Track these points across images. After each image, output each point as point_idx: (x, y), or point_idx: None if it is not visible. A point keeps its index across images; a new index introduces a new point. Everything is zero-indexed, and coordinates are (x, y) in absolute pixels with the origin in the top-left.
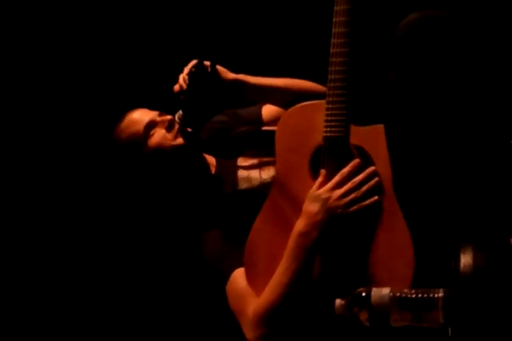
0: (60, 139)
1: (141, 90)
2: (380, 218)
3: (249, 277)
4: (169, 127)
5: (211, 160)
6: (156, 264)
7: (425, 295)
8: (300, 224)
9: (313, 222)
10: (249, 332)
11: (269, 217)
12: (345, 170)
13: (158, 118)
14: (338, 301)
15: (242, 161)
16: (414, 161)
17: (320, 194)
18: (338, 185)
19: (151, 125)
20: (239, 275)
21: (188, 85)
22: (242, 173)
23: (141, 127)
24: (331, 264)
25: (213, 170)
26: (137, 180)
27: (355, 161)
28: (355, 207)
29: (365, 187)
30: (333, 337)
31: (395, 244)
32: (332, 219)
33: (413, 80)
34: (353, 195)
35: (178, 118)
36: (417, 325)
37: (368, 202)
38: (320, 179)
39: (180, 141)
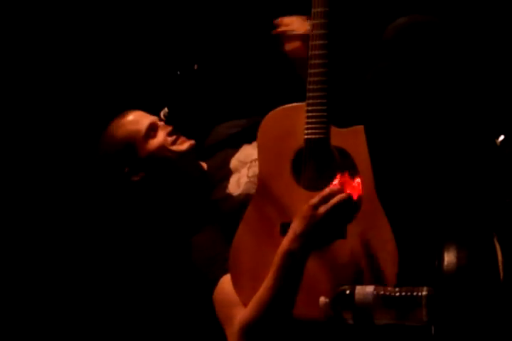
0: (49, 139)
1: (126, 92)
2: (362, 219)
3: (235, 283)
4: (171, 133)
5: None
6: (143, 270)
7: (409, 294)
8: (286, 243)
9: (301, 241)
10: None
11: (252, 221)
12: (327, 190)
13: (160, 123)
14: (322, 299)
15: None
16: (396, 161)
17: (305, 212)
18: (322, 201)
19: (153, 127)
20: (226, 282)
21: (177, 83)
22: (233, 178)
23: (143, 127)
24: (315, 267)
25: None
26: (126, 182)
27: (334, 187)
28: (335, 223)
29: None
30: None
31: (377, 243)
32: (318, 236)
33: (392, 80)
34: (335, 214)
35: (164, 116)
36: (400, 323)
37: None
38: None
39: (182, 147)
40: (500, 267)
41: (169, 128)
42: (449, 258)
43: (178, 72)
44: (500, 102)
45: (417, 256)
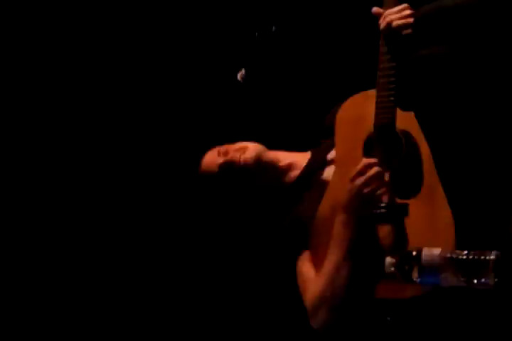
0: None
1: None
2: (423, 197)
3: (314, 260)
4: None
5: (304, 157)
6: None
7: (476, 257)
8: (338, 216)
9: (348, 213)
10: (310, 320)
11: (329, 203)
12: (362, 163)
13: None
14: (388, 259)
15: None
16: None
17: (348, 186)
18: (358, 174)
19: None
20: (304, 258)
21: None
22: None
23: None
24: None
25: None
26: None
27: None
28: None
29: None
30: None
31: (437, 221)
32: (363, 206)
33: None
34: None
35: (241, 77)
36: (466, 285)
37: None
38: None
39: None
40: None
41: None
42: None
43: (256, 34)
44: None
45: (485, 219)
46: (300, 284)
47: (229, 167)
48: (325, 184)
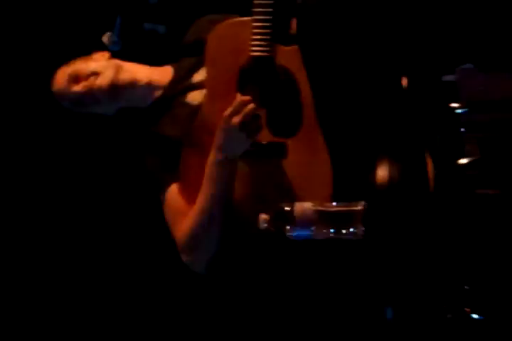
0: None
1: None
2: (301, 139)
3: (183, 191)
4: None
5: (164, 73)
6: None
7: (345, 209)
8: (211, 154)
9: (222, 152)
10: (181, 255)
11: (198, 136)
12: (237, 100)
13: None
14: (261, 216)
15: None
16: (332, 79)
17: (221, 124)
18: (234, 112)
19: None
20: (172, 188)
21: None
22: (191, 96)
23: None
24: (251, 185)
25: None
26: None
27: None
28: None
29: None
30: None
31: (314, 164)
32: (238, 145)
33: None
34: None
35: (108, 41)
36: (337, 237)
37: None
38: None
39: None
40: (431, 180)
41: None
42: (382, 172)
43: None
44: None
45: (354, 170)
46: (168, 216)
47: (84, 96)
48: (190, 107)
